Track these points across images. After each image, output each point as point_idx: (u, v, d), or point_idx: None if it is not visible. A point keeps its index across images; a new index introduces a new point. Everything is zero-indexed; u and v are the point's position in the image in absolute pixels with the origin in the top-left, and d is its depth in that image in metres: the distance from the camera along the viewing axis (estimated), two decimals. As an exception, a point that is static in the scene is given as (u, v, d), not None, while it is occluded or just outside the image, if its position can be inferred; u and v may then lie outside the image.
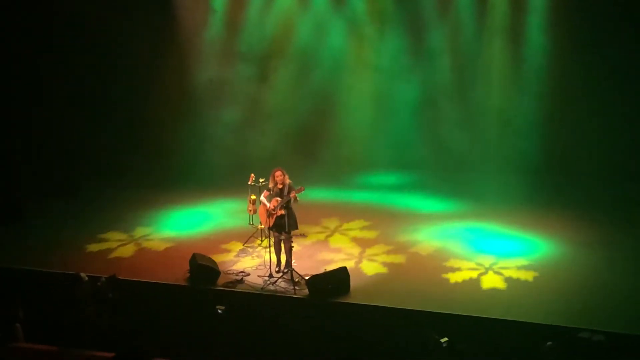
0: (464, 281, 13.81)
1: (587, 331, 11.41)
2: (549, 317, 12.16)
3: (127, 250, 15.69)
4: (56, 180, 18.89)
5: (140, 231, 16.74)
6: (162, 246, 15.87)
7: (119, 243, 15.95)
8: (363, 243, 15.85)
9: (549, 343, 10.73)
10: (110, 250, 15.65)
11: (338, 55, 20.90)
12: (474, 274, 14.04)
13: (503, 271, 14.15)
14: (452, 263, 14.59)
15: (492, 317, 12.27)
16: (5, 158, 17.70)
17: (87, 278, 12.61)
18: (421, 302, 12.94)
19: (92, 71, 19.88)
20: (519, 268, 14.28)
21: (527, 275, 13.97)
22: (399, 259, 15.00)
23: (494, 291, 13.37)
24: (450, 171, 20.30)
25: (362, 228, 16.70)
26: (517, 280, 13.80)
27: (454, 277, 13.91)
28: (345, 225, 16.87)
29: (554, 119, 19.42)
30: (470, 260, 14.73)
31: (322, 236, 16.23)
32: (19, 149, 18.03)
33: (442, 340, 11.09)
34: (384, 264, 14.77)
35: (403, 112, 20.42)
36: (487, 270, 14.24)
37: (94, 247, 15.79)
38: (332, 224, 16.94)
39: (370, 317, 12.65)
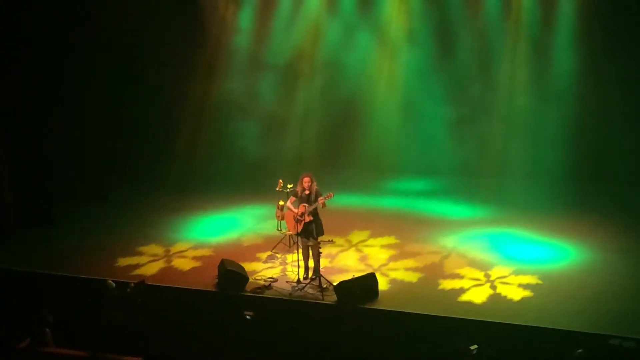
0: (491, 289, 13.75)
1: (617, 338, 11.30)
2: (579, 324, 12.06)
3: (160, 258, 15.76)
4: (86, 185, 18.99)
5: (171, 236, 16.83)
6: (192, 254, 15.87)
7: (153, 258, 15.78)
8: (391, 249, 15.79)
9: (579, 350, 10.62)
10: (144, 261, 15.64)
11: (366, 61, 20.83)
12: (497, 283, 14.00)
13: (524, 279, 14.07)
14: (479, 270, 14.54)
15: (522, 323, 12.18)
16: (38, 163, 17.83)
17: (114, 285, 12.68)
18: (449, 309, 12.89)
19: (121, 77, 19.98)
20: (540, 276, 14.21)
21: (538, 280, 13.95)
22: (428, 264, 14.93)
23: (523, 298, 13.27)
24: (480, 177, 20.16)
25: (390, 234, 16.59)
26: (545, 287, 13.69)
27: (479, 290, 13.78)
28: (373, 231, 16.80)
29: (585, 126, 19.20)
30: (497, 267, 14.66)
31: (349, 243, 16.20)
32: (50, 153, 18.15)
33: (472, 347, 11.02)
34: (413, 269, 14.71)
35: (431, 119, 20.28)
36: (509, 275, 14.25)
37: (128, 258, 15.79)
38: (359, 230, 16.89)
39: (398, 323, 12.60)
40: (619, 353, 11.05)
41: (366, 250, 15.77)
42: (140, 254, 15.79)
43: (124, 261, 15.38)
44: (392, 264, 15.01)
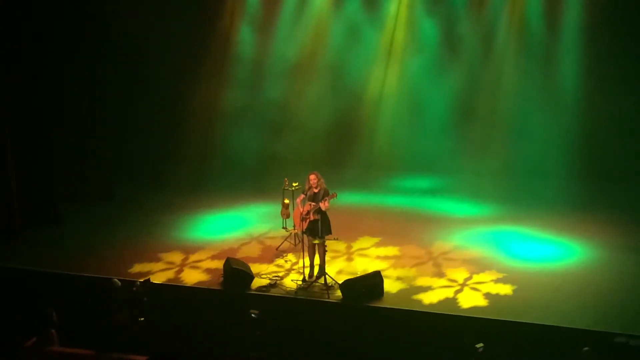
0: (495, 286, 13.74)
1: (623, 336, 11.27)
2: (585, 322, 12.05)
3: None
4: (91, 184, 19.00)
5: (176, 235, 16.86)
6: (201, 254, 15.83)
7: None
8: (397, 246, 15.77)
9: (585, 348, 10.60)
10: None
11: (370, 60, 20.80)
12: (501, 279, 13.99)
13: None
14: (485, 268, 14.54)
15: (528, 321, 12.17)
16: (43, 162, 17.84)
17: (119, 283, 12.67)
18: (455, 307, 12.89)
19: (126, 76, 20.01)
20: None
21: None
22: (433, 262, 14.92)
23: (528, 295, 13.25)
24: (485, 176, 20.06)
25: (393, 233, 16.56)
26: (551, 284, 13.68)
27: (486, 288, 13.78)
28: (378, 230, 16.77)
29: (591, 125, 19.15)
30: (503, 264, 14.68)
31: (352, 244, 16.17)
32: (56, 153, 18.15)
33: (478, 345, 10.99)
34: (418, 266, 14.70)
35: (435, 117, 20.24)
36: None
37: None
38: (364, 227, 16.88)
39: (403, 321, 12.59)
40: (626, 351, 11.03)
41: (367, 252, 15.71)
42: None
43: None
44: (396, 262, 14.98)
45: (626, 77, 18.61)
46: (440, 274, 14.33)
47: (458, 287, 13.73)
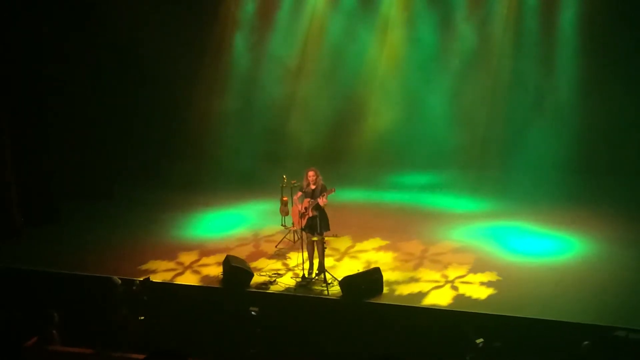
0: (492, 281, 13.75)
1: (624, 330, 11.28)
2: (585, 316, 12.04)
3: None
4: (91, 182, 19.00)
5: (175, 233, 16.84)
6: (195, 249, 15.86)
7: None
8: (397, 242, 15.78)
9: (585, 342, 10.61)
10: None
11: (368, 55, 20.81)
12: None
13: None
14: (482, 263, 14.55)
15: (527, 316, 12.17)
16: (42, 161, 17.84)
17: (120, 282, 12.68)
18: (455, 302, 12.89)
19: (125, 75, 20.03)
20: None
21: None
22: (431, 258, 14.94)
23: (527, 289, 13.27)
24: (484, 171, 20.10)
25: (391, 229, 16.57)
26: (550, 279, 13.69)
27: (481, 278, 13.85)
28: (379, 225, 16.79)
29: (590, 117, 19.16)
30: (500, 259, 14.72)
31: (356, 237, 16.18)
32: (55, 151, 18.15)
33: (478, 340, 11.00)
34: (416, 262, 14.72)
35: (433, 112, 20.25)
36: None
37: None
38: (364, 224, 16.88)
39: (403, 317, 12.60)
40: (626, 345, 11.04)
41: (362, 245, 15.74)
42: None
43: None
44: (395, 258, 15.00)
45: (625, 73, 18.62)
46: (438, 270, 14.34)
47: (455, 283, 13.74)
